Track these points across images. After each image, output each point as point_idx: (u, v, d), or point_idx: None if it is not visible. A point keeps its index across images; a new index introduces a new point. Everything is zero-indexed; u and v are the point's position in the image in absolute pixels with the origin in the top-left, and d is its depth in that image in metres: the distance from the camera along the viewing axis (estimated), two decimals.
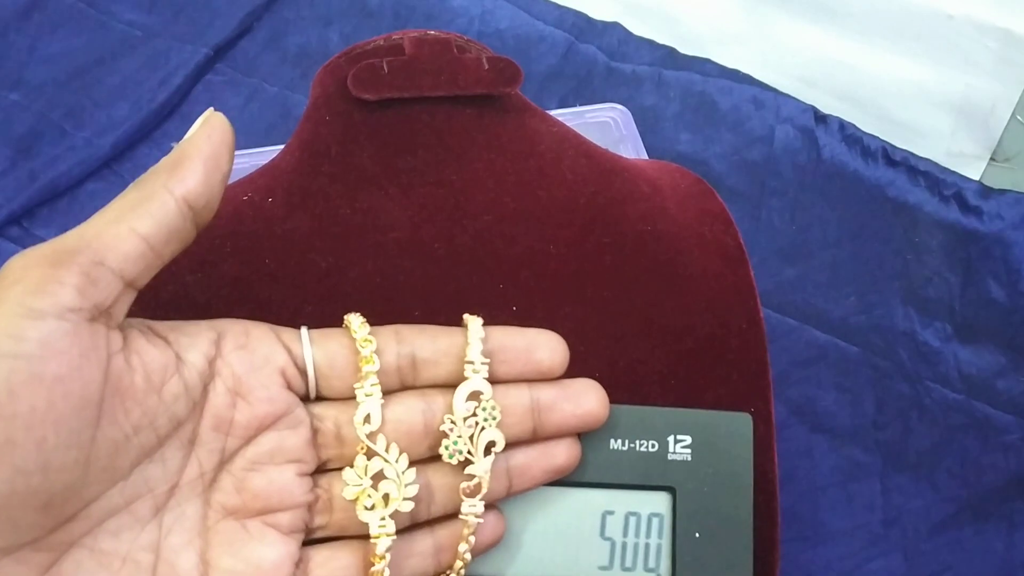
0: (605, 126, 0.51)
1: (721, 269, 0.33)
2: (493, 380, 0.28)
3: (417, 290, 0.30)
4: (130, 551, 0.24)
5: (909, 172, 0.52)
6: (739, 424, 0.30)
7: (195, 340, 0.25)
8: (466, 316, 0.29)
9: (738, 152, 0.54)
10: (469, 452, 0.27)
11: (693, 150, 0.54)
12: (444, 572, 0.28)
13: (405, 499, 0.27)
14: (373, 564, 0.26)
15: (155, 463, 0.24)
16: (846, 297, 0.49)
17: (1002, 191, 0.51)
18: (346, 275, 0.30)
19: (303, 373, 0.27)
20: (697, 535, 0.30)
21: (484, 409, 0.27)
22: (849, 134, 0.54)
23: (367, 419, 0.27)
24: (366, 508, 0.27)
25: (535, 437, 0.28)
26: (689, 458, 0.30)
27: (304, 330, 0.27)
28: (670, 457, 0.30)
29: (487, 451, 0.27)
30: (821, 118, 0.54)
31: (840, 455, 0.45)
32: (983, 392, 0.46)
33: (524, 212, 0.31)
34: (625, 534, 0.30)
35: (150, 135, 0.55)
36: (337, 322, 0.28)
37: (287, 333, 0.27)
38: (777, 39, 0.61)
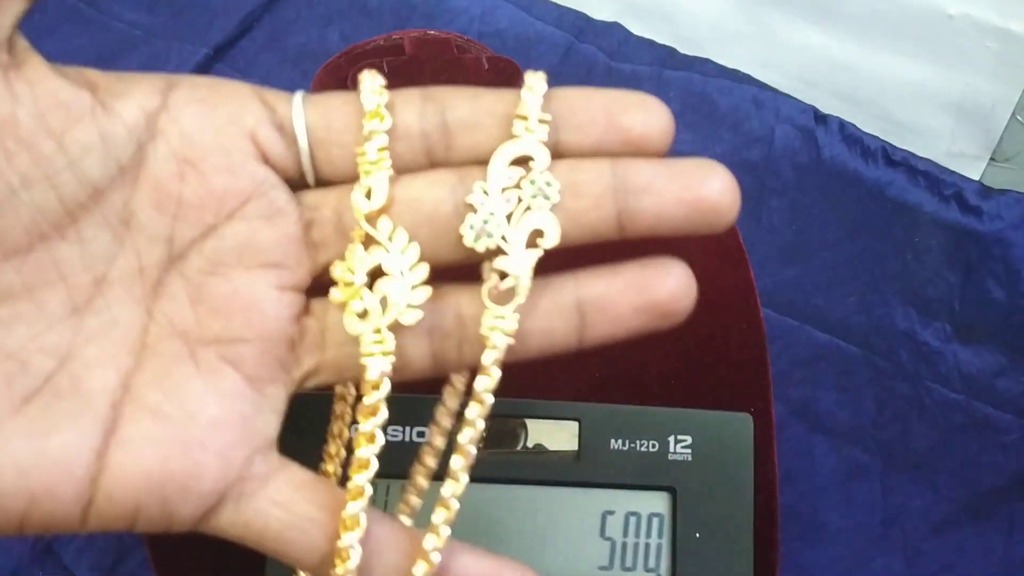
0: None
1: (721, 269, 0.33)
2: (558, 153, 0.20)
3: None
4: (23, 349, 0.18)
5: (909, 172, 0.52)
6: (739, 424, 0.30)
7: (133, 87, 0.20)
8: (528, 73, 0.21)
9: (738, 152, 0.54)
10: (503, 237, 0.20)
11: (693, 150, 0.54)
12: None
13: (411, 306, 0.19)
14: (363, 397, 0.19)
15: (69, 243, 0.18)
16: (846, 297, 0.49)
17: (1002, 191, 0.51)
18: None
19: (291, 143, 0.20)
20: (697, 535, 0.30)
21: (534, 182, 0.19)
22: (849, 134, 0.54)
23: (368, 194, 0.20)
24: (357, 316, 0.19)
25: (621, 234, 0.20)
26: (689, 458, 0.30)
27: (299, 93, 0.21)
28: (670, 457, 0.30)
29: (531, 243, 0.20)
30: (821, 118, 0.54)
31: (840, 455, 0.45)
32: (983, 392, 0.46)
33: None
34: (625, 534, 0.30)
35: None
36: None
37: (273, 93, 0.21)
38: (777, 39, 0.61)
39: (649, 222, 0.20)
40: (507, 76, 0.31)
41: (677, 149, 0.60)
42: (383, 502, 0.30)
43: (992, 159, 0.56)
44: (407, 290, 0.19)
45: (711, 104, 0.56)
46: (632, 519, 0.30)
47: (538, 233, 0.20)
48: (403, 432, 0.30)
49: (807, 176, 0.53)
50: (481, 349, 0.20)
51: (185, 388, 0.19)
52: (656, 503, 0.30)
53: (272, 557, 0.20)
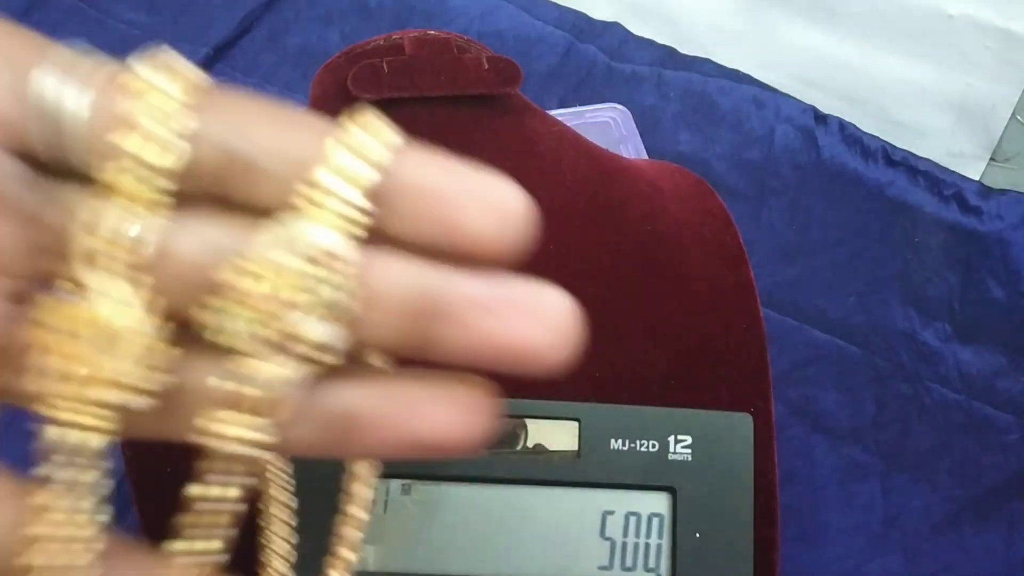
0: (605, 126, 0.51)
1: (721, 269, 0.33)
2: (373, 233, 0.15)
3: None
4: None
5: (909, 172, 0.52)
6: (739, 424, 0.30)
7: None
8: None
9: (738, 152, 0.54)
10: (274, 338, 0.15)
11: (693, 150, 0.54)
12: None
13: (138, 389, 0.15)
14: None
15: None
16: (846, 297, 0.49)
17: (1002, 191, 0.51)
18: None
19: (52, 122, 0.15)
20: (697, 535, 0.30)
21: (323, 279, 0.14)
22: (849, 134, 0.54)
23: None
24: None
25: (421, 358, 0.16)
26: (689, 458, 0.30)
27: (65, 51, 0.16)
28: (670, 457, 0.30)
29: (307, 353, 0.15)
30: (821, 118, 0.54)
31: (840, 455, 0.45)
32: (983, 392, 0.46)
33: None
34: (625, 534, 0.30)
35: None
36: None
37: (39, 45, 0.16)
38: (777, 39, 0.61)
39: (451, 356, 0.16)
40: (507, 76, 0.31)
41: (677, 149, 0.60)
42: (383, 502, 0.30)
43: (992, 159, 0.56)
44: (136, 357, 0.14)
45: (711, 104, 0.56)
46: (632, 519, 0.30)
47: (320, 348, 0.15)
48: None
49: (807, 176, 0.53)
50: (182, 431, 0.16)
51: None
52: (656, 503, 0.30)
53: None
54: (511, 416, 0.31)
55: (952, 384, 0.46)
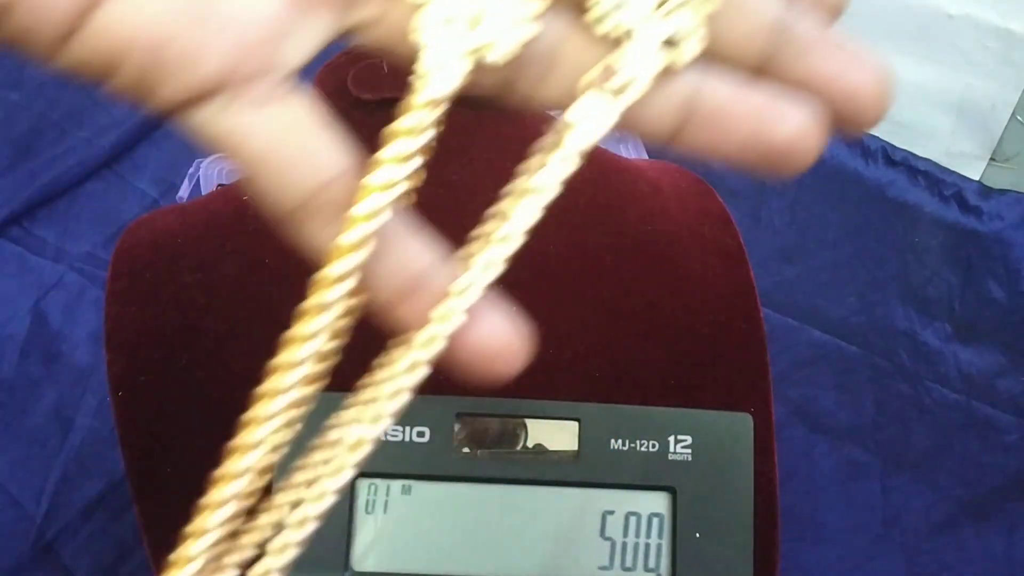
0: None
1: (721, 269, 0.33)
2: None
3: None
4: None
5: (909, 172, 0.52)
6: (739, 424, 0.30)
7: None
8: None
9: None
10: (628, 32, 0.16)
11: None
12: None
13: (506, 39, 0.16)
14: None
15: None
16: (846, 297, 0.49)
17: (1002, 191, 0.51)
18: None
19: None
20: (697, 535, 0.30)
21: None
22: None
23: None
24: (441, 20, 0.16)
25: (753, 74, 0.17)
26: (689, 458, 0.30)
27: None
28: (670, 457, 0.30)
29: (669, 44, 0.16)
30: None
31: (840, 455, 0.45)
32: (983, 392, 0.46)
33: None
34: (625, 534, 0.30)
35: (150, 135, 0.55)
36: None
37: None
38: None
39: (788, 80, 0.17)
40: None
41: (677, 149, 0.60)
42: (384, 502, 0.30)
43: (992, 159, 0.56)
44: (511, 15, 0.16)
45: None
46: (632, 519, 0.30)
47: (672, 39, 0.16)
48: (403, 432, 0.30)
49: (807, 176, 0.53)
50: (561, 99, 0.17)
51: None
52: (656, 503, 0.30)
53: (246, 183, 0.18)
54: (511, 416, 0.31)
55: (952, 384, 0.46)
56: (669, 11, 0.16)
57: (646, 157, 0.50)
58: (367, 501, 0.30)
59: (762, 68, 0.17)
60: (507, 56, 0.16)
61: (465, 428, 0.30)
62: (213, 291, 0.30)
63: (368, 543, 0.30)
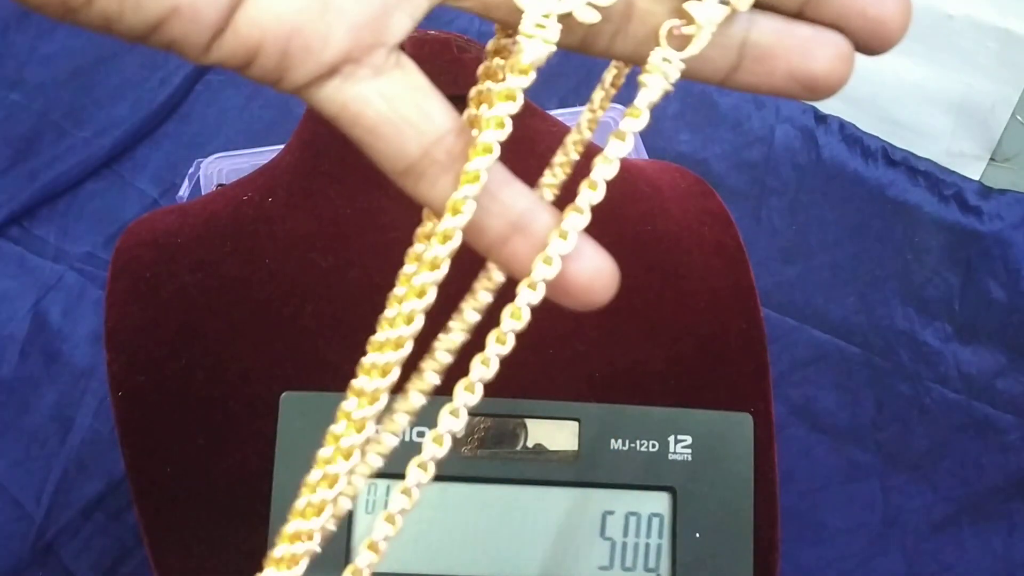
0: (605, 126, 0.51)
1: (721, 269, 0.33)
2: None
3: None
4: None
5: (909, 172, 0.52)
6: (739, 424, 0.30)
7: None
8: None
9: (738, 152, 0.54)
10: None
11: (693, 150, 0.54)
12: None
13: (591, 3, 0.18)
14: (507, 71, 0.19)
15: None
16: (846, 297, 0.49)
17: (1002, 191, 0.51)
18: (346, 275, 0.30)
19: None
20: (697, 535, 0.30)
21: None
22: (849, 134, 0.54)
23: None
24: None
25: (796, 14, 0.20)
26: (689, 458, 0.30)
27: None
28: (670, 457, 0.30)
29: None
30: (821, 118, 0.54)
31: (840, 455, 0.45)
32: (983, 392, 0.46)
33: None
34: (625, 534, 0.30)
35: (150, 135, 0.55)
36: (337, 322, 0.28)
37: None
38: None
39: (824, 17, 0.20)
40: None
41: (677, 149, 0.60)
42: (384, 502, 0.30)
43: (992, 159, 0.56)
44: None
45: (711, 104, 0.56)
46: (632, 519, 0.30)
47: None
48: (404, 432, 0.30)
49: (807, 176, 0.53)
50: (636, 50, 0.20)
51: None
52: (656, 503, 0.30)
53: (362, 149, 0.21)
54: (511, 416, 0.31)
55: (952, 384, 0.46)
56: None
57: (646, 157, 0.50)
58: (367, 501, 0.30)
59: (801, 9, 0.20)
60: (594, 16, 0.19)
61: (465, 428, 0.30)
62: (213, 291, 0.30)
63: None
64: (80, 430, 0.46)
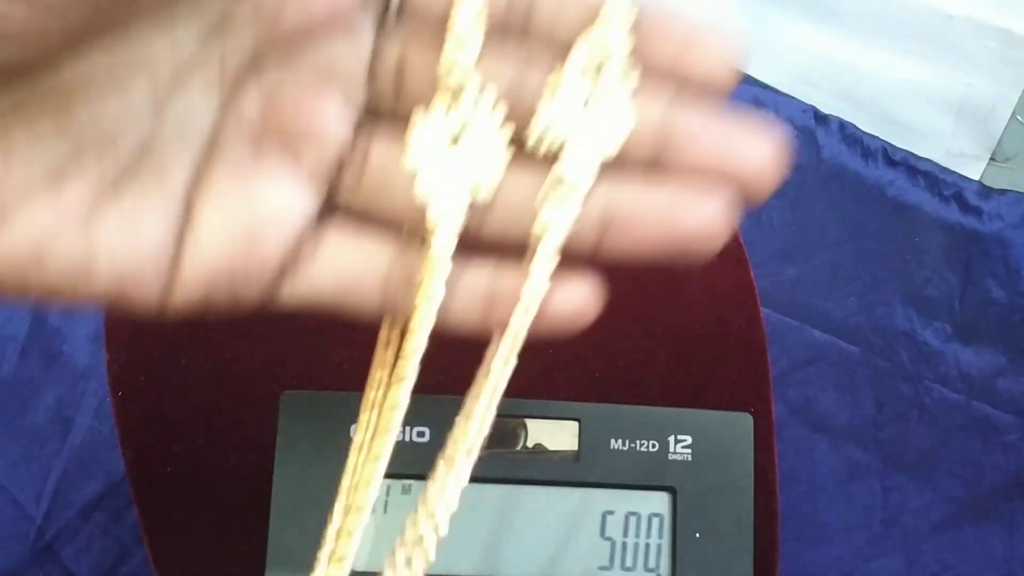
0: None
1: (721, 269, 0.33)
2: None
3: None
4: (112, 131, 0.18)
5: (909, 172, 0.52)
6: (739, 424, 0.30)
7: None
8: None
9: None
10: (562, 143, 0.18)
11: None
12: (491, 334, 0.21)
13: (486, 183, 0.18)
14: (425, 238, 0.19)
15: (162, 33, 0.18)
16: (846, 297, 0.49)
17: (1002, 191, 0.51)
18: None
19: None
20: (697, 535, 0.30)
21: (611, 58, 0.18)
22: (849, 134, 0.54)
23: (461, 44, 0.18)
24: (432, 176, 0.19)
25: (648, 168, 0.19)
26: (689, 458, 0.30)
27: None
28: (670, 457, 0.30)
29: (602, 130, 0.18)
30: (821, 118, 0.54)
31: (840, 455, 0.45)
32: (983, 392, 0.46)
33: None
34: (625, 534, 0.30)
35: None
36: (337, 322, 0.28)
37: None
38: (777, 39, 0.60)
39: (688, 171, 0.19)
40: None
41: None
42: (383, 502, 0.30)
43: (992, 159, 0.56)
44: (490, 156, 0.18)
45: None
46: (632, 519, 0.30)
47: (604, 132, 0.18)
48: (404, 432, 0.30)
49: (807, 176, 0.53)
50: (509, 226, 0.20)
51: (249, 183, 0.19)
52: (656, 503, 0.30)
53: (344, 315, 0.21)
54: (511, 416, 0.31)
55: (952, 384, 0.46)
56: (589, 114, 0.18)
57: None
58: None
59: (659, 165, 0.19)
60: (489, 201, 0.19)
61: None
62: None
63: (368, 543, 0.30)
64: (80, 430, 0.46)
